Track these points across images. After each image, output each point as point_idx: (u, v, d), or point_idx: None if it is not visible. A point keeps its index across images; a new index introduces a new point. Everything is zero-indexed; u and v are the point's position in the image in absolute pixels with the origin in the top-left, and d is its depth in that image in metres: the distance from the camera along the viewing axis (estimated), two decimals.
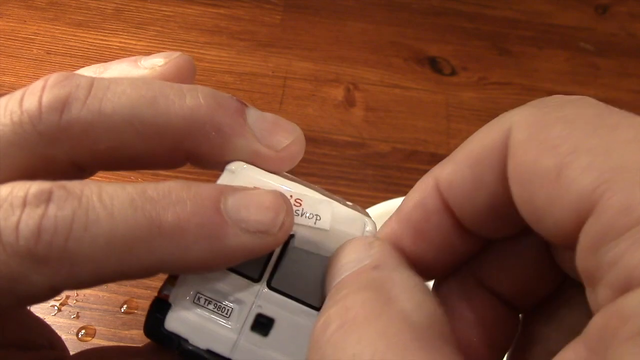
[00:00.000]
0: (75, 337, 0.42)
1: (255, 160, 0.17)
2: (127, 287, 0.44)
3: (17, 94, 0.15)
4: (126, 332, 0.42)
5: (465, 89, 0.62)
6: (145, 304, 0.44)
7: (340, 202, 0.17)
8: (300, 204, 0.16)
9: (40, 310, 0.43)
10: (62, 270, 0.13)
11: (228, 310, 0.16)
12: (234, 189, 0.15)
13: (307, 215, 0.16)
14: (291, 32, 0.66)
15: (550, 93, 0.69)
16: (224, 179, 0.16)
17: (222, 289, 0.16)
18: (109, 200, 0.13)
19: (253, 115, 0.17)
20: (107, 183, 0.14)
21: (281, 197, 0.15)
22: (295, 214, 0.16)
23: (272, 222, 0.15)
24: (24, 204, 0.13)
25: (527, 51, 0.67)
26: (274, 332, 0.16)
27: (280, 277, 0.16)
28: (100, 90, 0.15)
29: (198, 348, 0.15)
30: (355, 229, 0.16)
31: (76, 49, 0.63)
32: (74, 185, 0.14)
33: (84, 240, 0.13)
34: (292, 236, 0.16)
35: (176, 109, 0.16)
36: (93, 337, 0.42)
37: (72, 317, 0.43)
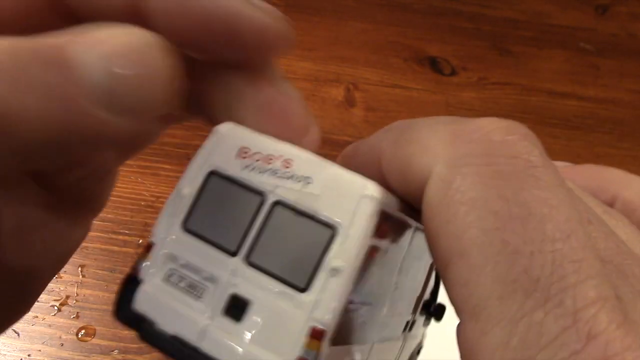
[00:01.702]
0: (75, 337, 0.42)
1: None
2: None
3: None
4: (126, 332, 0.42)
5: (465, 89, 0.62)
6: None
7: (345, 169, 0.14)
8: (290, 166, 0.14)
9: (40, 310, 0.43)
10: None
11: (201, 289, 0.14)
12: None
13: (296, 177, 0.14)
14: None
15: (550, 93, 0.69)
16: (211, 142, 0.15)
17: (197, 264, 0.14)
18: None
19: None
20: None
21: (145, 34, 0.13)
22: (282, 176, 0.14)
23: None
24: None
25: (527, 51, 0.67)
26: (248, 316, 0.13)
27: (261, 250, 0.14)
28: None
29: (164, 333, 0.14)
30: (352, 192, 0.13)
31: None
32: None
33: None
34: (277, 202, 0.14)
35: None
36: (93, 337, 0.42)
37: (72, 317, 0.43)
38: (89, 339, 0.42)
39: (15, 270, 0.17)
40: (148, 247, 0.14)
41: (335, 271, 0.13)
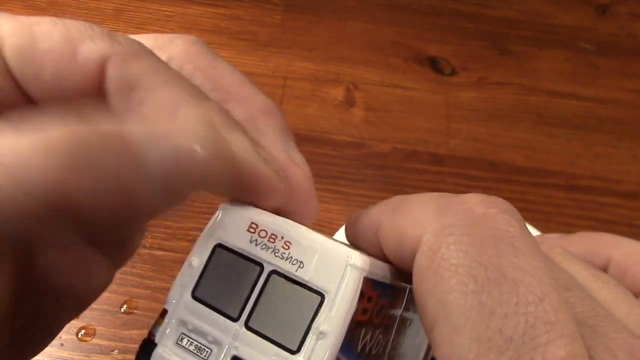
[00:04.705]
0: (75, 337, 0.42)
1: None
2: (127, 287, 0.44)
3: None
4: (126, 332, 0.42)
5: (465, 89, 0.62)
6: (145, 304, 0.44)
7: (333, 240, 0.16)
8: (289, 248, 0.16)
9: None
10: None
11: (207, 352, 0.16)
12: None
13: (292, 260, 0.15)
14: (291, 32, 0.66)
15: (550, 93, 0.69)
16: (217, 217, 0.16)
17: (203, 329, 0.16)
18: None
19: None
20: None
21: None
22: (281, 257, 0.15)
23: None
24: None
25: (527, 51, 0.67)
26: None
27: (258, 316, 0.15)
28: None
29: None
30: (339, 262, 0.15)
31: None
32: None
33: None
34: (273, 272, 0.15)
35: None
36: (93, 337, 0.42)
37: None
38: (89, 339, 0.42)
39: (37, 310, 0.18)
40: (162, 313, 0.16)
41: (322, 334, 0.15)
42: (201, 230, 0.17)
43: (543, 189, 0.54)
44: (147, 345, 0.16)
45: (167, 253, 0.46)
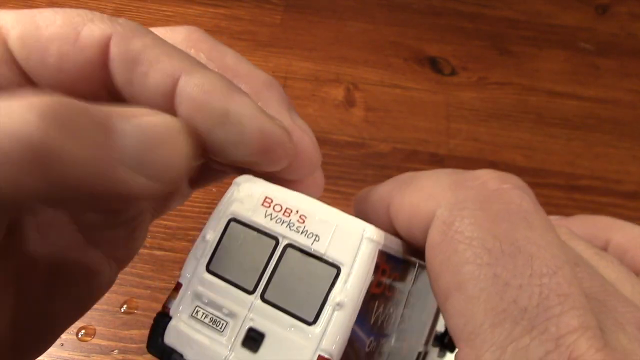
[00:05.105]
0: (75, 337, 0.42)
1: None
2: (127, 287, 0.44)
3: None
4: (126, 332, 0.42)
5: (465, 89, 0.62)
6: (145, 303, 0.44)
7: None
8: (304, 221, 0.16)
9: None
10: None
11: (223, 324, 0.16)
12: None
13: (307, 233, 0.16)
14: (291, 32, 0.66)
15: (550, 93, 0.69)
16: (231, 192, 0.16)
17: (218, 302, 0.16)
18: None
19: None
20: None
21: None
22: (296, 230, 0.16)
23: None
24: None
25: (527, 51, 0.67)
26: (264, 347, 0.15)
27: (274, 288, 0.15)
28: None
29: None
30: (354, 235, 0.15)
31: None
32: None
33: None
34: (288, 246, 0.15)
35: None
36: (93, 337, 0.42)
37: None
38: (89, 339, 0.42)
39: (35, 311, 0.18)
40: (176, 287, 0.16)
41: (339, 306, 0.15)
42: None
43: (543, 189, 0.54)
44: (162, 318, 0.16)
45: (167, 253, 0.46)
